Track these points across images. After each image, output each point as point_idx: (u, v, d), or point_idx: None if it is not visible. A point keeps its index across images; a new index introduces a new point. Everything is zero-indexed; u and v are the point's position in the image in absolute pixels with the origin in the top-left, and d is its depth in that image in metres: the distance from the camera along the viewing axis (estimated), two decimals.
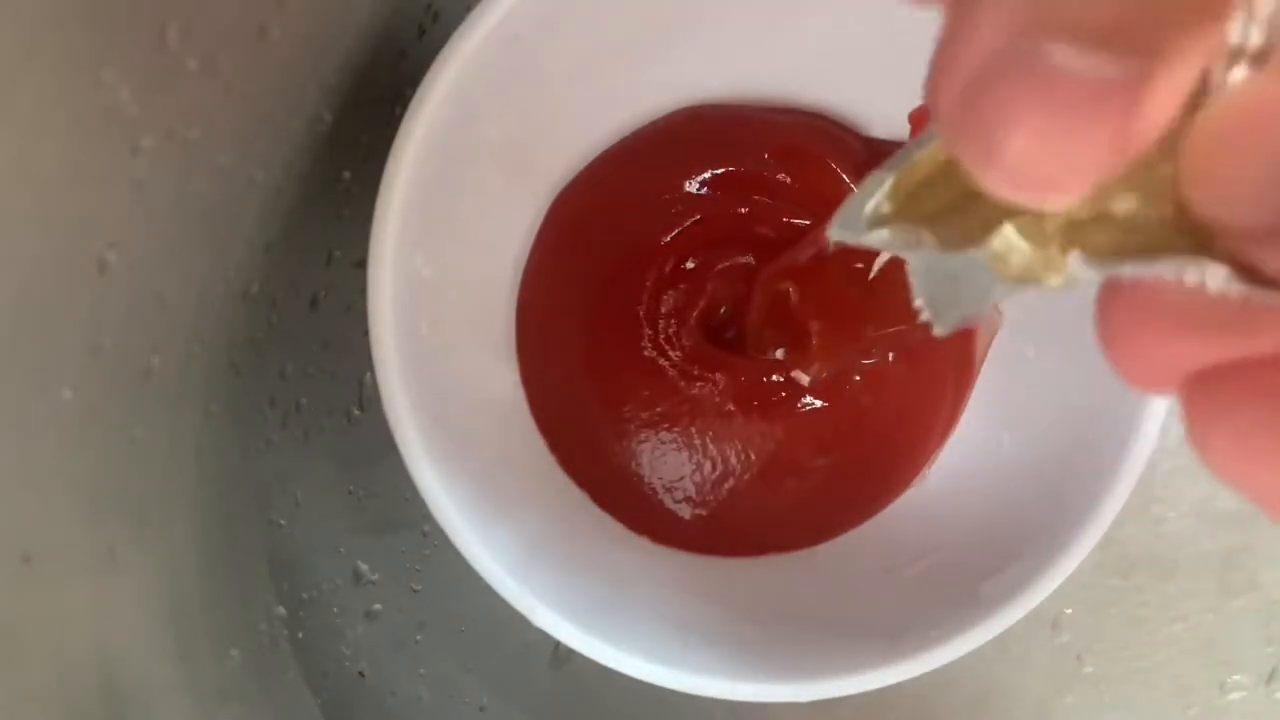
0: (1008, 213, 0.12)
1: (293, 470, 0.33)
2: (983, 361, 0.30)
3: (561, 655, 0.33)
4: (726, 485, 0.31)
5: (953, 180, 0.13)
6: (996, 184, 0.11)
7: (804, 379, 0.30)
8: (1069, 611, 0.34)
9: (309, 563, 0.33)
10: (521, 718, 0.34)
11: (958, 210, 0.13)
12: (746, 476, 0.31)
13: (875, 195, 0.13)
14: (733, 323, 0.31)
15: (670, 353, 0.30)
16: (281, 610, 0.33)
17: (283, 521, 0.33)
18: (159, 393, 0.26)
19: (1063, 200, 0.11)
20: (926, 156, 0.13)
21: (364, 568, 0.34)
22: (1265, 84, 0.10)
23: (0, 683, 0.20)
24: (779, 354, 0.30)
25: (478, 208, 0.29)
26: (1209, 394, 0.12)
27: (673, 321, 0.30)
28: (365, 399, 0.33)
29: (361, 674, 0.34)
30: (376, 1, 0.30)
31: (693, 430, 0.31)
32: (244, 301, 0.29)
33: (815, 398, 0.30)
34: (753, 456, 0.31)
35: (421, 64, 0.26)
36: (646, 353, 0.30)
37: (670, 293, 0.30)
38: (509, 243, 0.30)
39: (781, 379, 0.30)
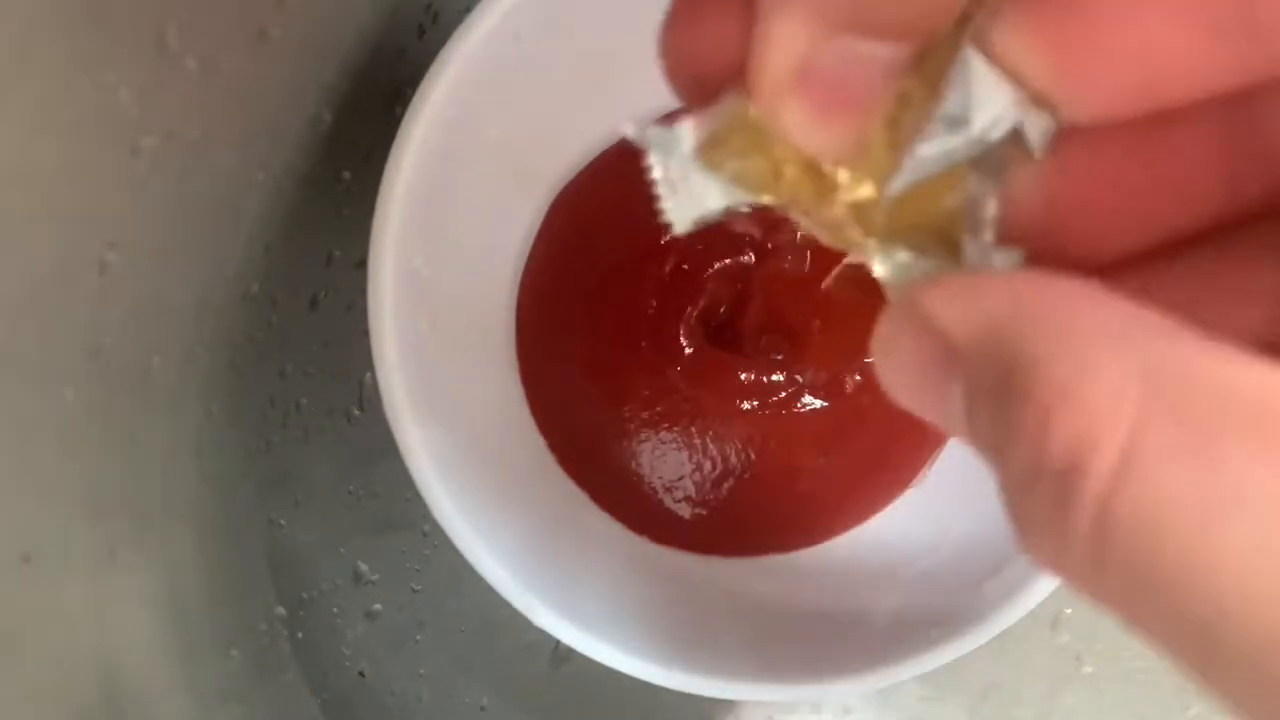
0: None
1: (293, 470, 0.33)
2: None
3: (561, 655, 0.33)
4: (726, 485, 0.31)
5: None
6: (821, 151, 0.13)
7: (803, 378, 0.30)
8: (1069, 611, 0.34)
9: (309, 563, 0.33)
10: (521, 717, 0.34)
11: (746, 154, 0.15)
12: (746, 476, 0.31)
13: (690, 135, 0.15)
14: (732, 322, 0.31)
15: (670, 352, 0.30)
16: (281, 610, 0.33)
17: (283, 521, 0.33)
18: (159, 393, 0.26)
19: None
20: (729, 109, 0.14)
21: (364, 568, 0.34)
22: None
23: (0, 683, 0.20)
24: (778, 355, 0.30)
25: (478, 208, 0.29)
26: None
27: (673, 321, 0.30)
28: (365, 399, 0.33)
29: (361, 674, 0.34)
30: (376, 2, 0.30)
31: (693, 430, 0.31)
32: (244, 301, 0.29)
33: (815, 398, 0.30)
34: (753, 456, 0.31)
35: (421, 64, 0.26)
36: (647, 352, 0.30)
37: (671, 292, 0.30)
38: (509, 243, 0.30)
39: (781, 379, 0.30)
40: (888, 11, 0.12)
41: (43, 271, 0.20)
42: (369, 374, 0.32)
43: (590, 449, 0.31)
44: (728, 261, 0.30)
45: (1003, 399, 0.11)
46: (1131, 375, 0.10)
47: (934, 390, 0.12)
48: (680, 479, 0.31)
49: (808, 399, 0.30)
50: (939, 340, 0.12)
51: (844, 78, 0.12)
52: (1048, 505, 0.11)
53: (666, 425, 0.31)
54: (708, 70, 0.14)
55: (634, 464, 0.31)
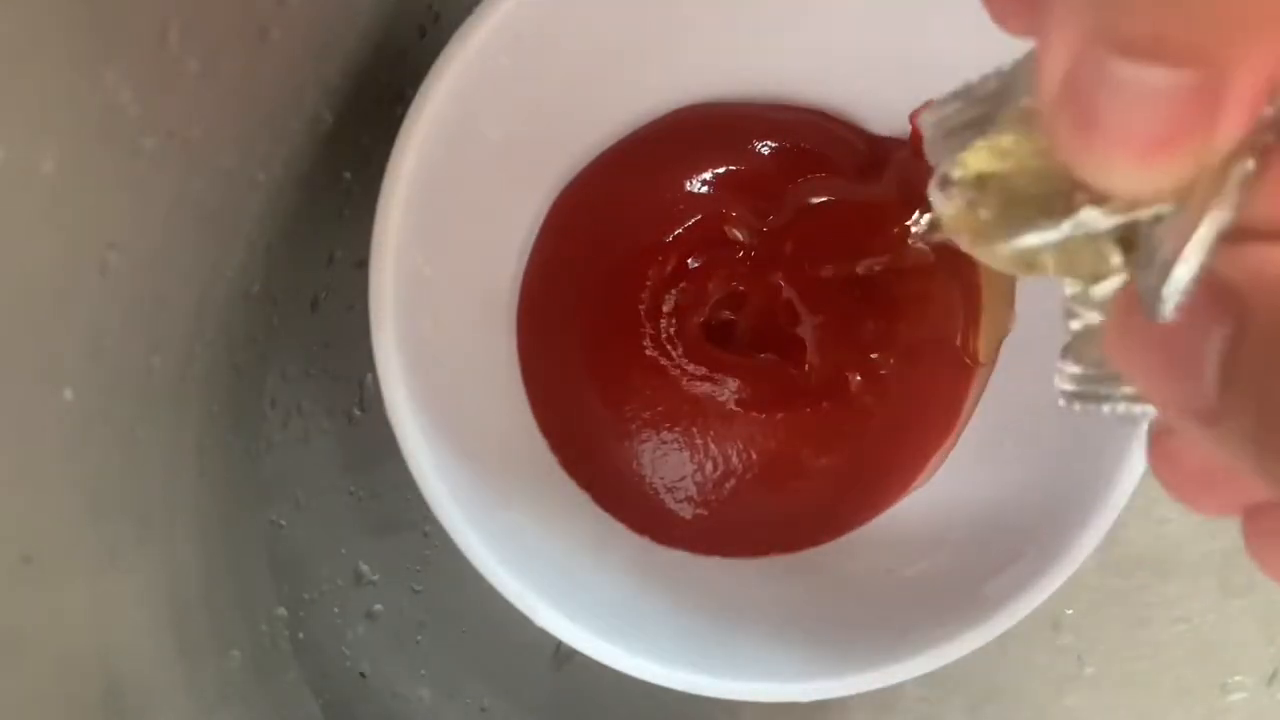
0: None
1: (293, 471, 0.33)
2: (995, 361, 0.30)
3: (562, 655, 0.33)
4: (728, 485, 0.31)
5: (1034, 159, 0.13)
6: (1090, 178, 0.12)
7: (804, 378, 0.30)
8: (1070, 612, 0.34)
9: (310, 563, 0.33)
10: (522, 717, 0.34)
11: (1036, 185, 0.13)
12: (748, 477, 0.31)
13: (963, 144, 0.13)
14: (733, 322, 0.31)
15: (672, 352, 0.30)
16: (282, 611, 0.33)
17: (283, 522, 0.33)
18: (159, 393, 0.26)
19: (1149, 190, 0.12)
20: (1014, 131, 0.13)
21: (365, 568, 0.34)
22: None
23: (0, 683, 0.20)
24: (779, 355, 0.30)
25: (479, 208, 0.29)
26: (1262, 524, 0.13)
27: (674, 321, 0.30)
28: (366, 399, 0.33)
29: (362, 674, 0.34)
30: (378, 2, 0.30)
31: (694, 430, 0.31)
32: (245, 302, 0.29)
33: (816, 398, 0.30)
34: (754, 456, 0.31)
35: (422, 64, 0.26)
36: (648, 352, 0.30)
37: (671, 292, 0.30)
38: (510, 243, 0.30)
39: (782, 379, 0.30)
40: (1190, 32, 0.10)
41: (43, 271, 0.20)
42: (370, 374, 0.32)
43: (591, 449, 0.31)
44: (729, 261, 0.30)
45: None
46: None
47: (1183, 348, 0.12)
48: (681, 479, 0.31)
49: (809, 400, 0.30)
50: (1208, 293, 0.11)
51: (1125, 106, 0.11)
52: (1186, 324, 0.10)
53: (667, 425, 0.31)
54: None
55: (635, 464, 0.31)
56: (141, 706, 0.24)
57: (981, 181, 0.13)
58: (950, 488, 0.30)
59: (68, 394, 0.21)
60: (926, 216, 0.14)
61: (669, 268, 0.30)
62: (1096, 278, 0.13)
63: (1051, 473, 0.28)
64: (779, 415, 0.30)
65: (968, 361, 0.30)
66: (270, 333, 0.32)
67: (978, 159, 0.13)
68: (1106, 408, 0.14)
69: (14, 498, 0.20)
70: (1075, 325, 0.14)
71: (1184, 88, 0.10)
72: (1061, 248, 0.13)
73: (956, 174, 0.13)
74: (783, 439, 0.31)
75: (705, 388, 0.30)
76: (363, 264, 0.27)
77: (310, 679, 0.34)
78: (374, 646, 0.34)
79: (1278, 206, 0.12)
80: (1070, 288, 0.14)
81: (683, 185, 0.30)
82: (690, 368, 0.30)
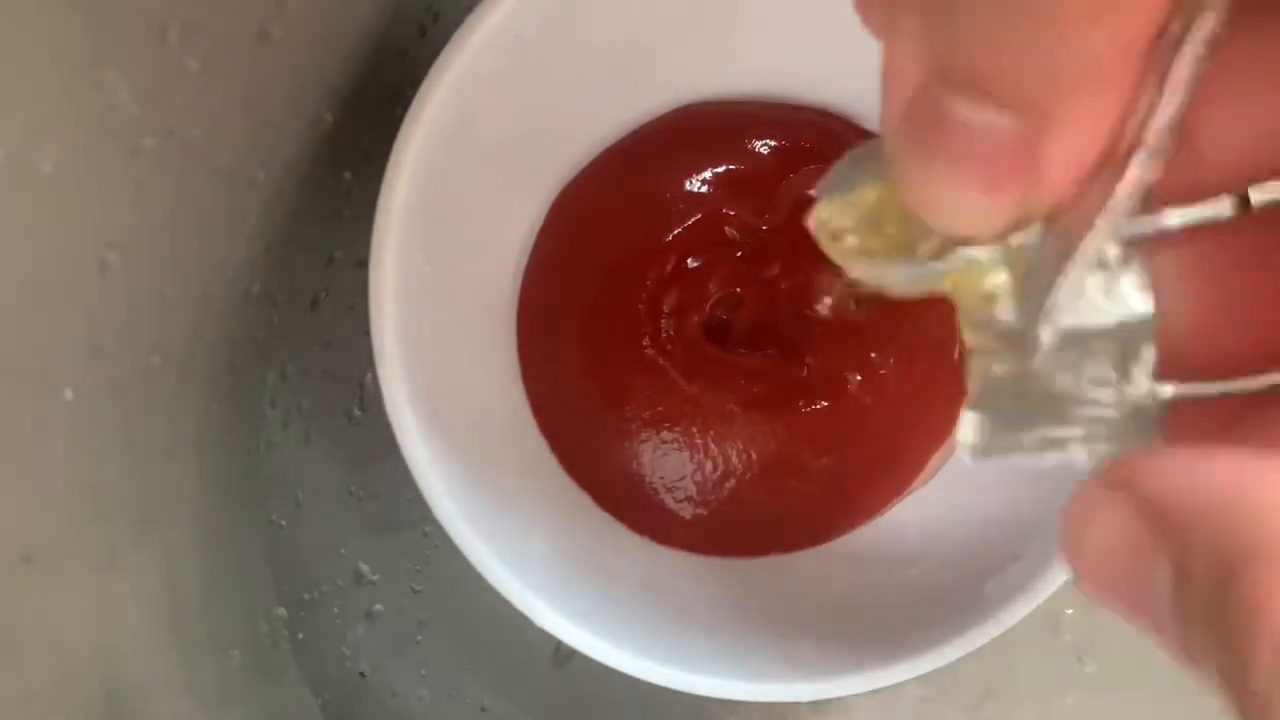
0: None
1: (293, 471, 0.33)
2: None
3: (562, 655, 0.33)
4: (728, 485, 0.31)
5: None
6: (919, 212, 0.12)
7: (804, 378, 0.30)
8: (1070, 612, 0.34)
9: (309, 563, 0.33)
10: (522, 718, 0.34)
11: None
12: (748, 476, 0.31)
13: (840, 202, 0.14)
14: (733, 322, 0.31)
15: (672, 352, 0.30)
16: (282, 611, 0.33)
17: (283, 522, 0.33)
18: (159, 393, 0.26)
19: (979, 233, 0.12)
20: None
21: (365, 568, 0.34)
22: None
23: (0, 683, 0.20)
24: (779, 355, 0.30)
25: (479, 207, 0.29)
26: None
27: (674, 320, 0.30)
28: (366, 399, 0.33)
29: (362, 674, 0.34)
30: (377, 2, 0.30)
31: (694, 430, 0.31)
32: (245, 301, 0.29)
33: (815, 398, 0.30)
34: (754, 456, 0.31)
35: (422, 64, 0.26)
36: (648, 352, 0.30)
37: (672, 292, 0.30)
38: (510, 242, 0.30)
39: (782, 379, 0.30)
40: (1017, 74, 0.10)
41: (43, 271, 0.20)
42: (370, 374, 0.32)
43: (591, 449, 0.31)
44: (729, 261, 0.30)
45: (1226, 588, 0.10)
46: None
47: (1133, 574, 0.11)
48: (681, 479, 0.31)
49: (808, 400, 0.30)
50: (1147, 517, 0.11)
51: (972, 141, 0.11)
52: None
53: (667, 425, 0.31)
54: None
55: (635, 464, 0.31)
56: (141, 706, 0.24)
57: (836, 232, 0.14)
58: (950, 487, 0.30)
59: (68, 394, 0.21)
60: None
61: (669, 267, 0.30)
62: (988, 301, 0.13)
63: (1051, 472, 0.28)
64: (779, 415, 0.30)
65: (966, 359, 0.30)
66: (270, 333, 0.32)
67: (829, 211, 0.14)
68: (1018, 456, 0.14)
69: (14, 498, 0.20)
70: (977, 365, 0.14)
71: (1009, 132, 0.10)
72: (947, 276, 0.13)
73: (812, 224, 0.14)
74: (782, 439, 0.31)
75: (705, 387, 0.30)
76: (363, 264, 0.27)
77: (310, 679, 0.34)
78: (374, 646, 0.34)
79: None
80: (966, 319, 0.13)
81: (682, 185, 0.30)
82: (690, 367, 0.30)
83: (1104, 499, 0.12)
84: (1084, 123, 0.11)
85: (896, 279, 0.14)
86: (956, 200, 0.11)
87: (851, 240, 0.14)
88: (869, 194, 0.13)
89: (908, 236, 0.13)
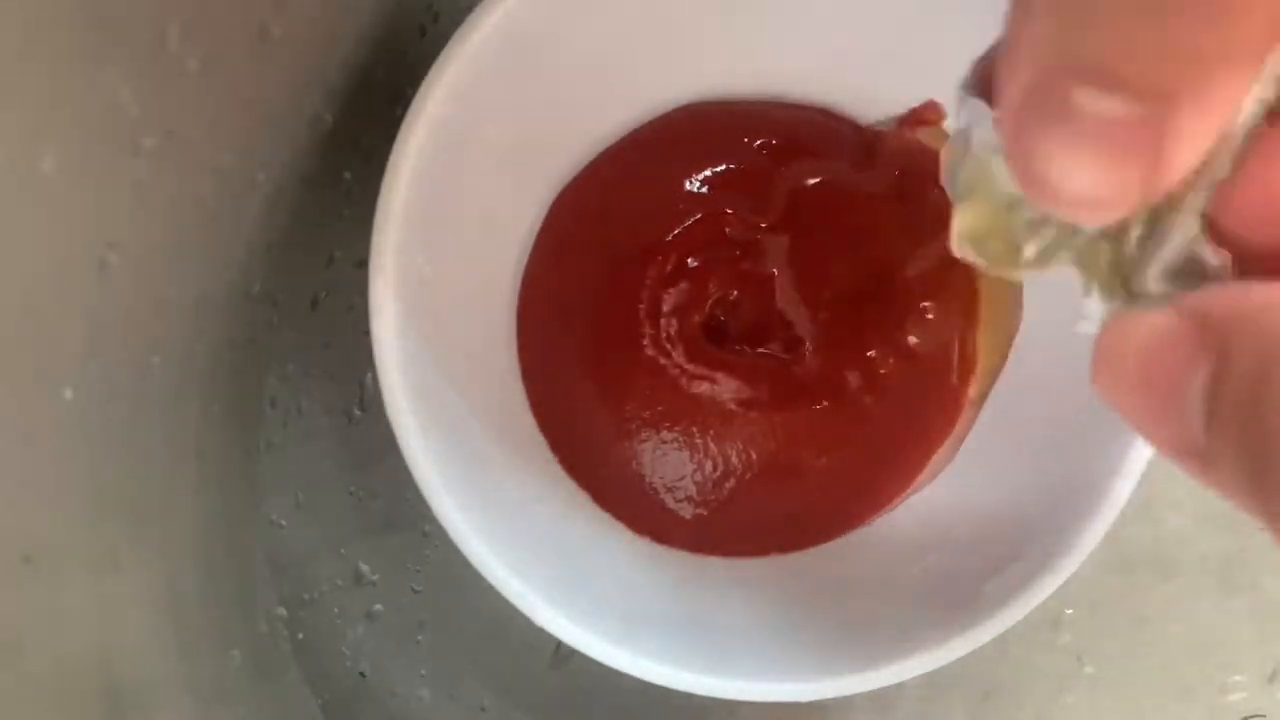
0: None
1: (293, 470, 0.33)
2: (1004, 362, 0.30)
3: (562, 655, 0.33)
4: (728, 485, 0.31)
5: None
6: (1039, 202, 0.12)
7: (803, 378, 0.30)
8: (1070, 612, 0.34)
9: (309, 563, 0.33)
10: (522, 717, 0.34)
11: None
12: (748, 476, 0.31)
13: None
14: (733, 322, 0.31)
15: (672, 352, 0.30)
16: (282, 610, 0.33)
17: (283, 521, 0.33)
18: (159, 393, 0.26)
19: (1097, 220, 0.12)
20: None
21: (364, 568, 0.34)
22: None
23: (0, 682, 0.20)
24: (778, 355, 0.30)
25: (479, 207, 0.29)
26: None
27: (674, 320, 0.30)
28: (366, 399, 0.33)
29: (362, 674, 0.34)
30: (378, 2, 0.30)
31: (694, 430, 0.31)
32: (245, 302, 0.29)
33: (815, 398, 0.30)
34: (754, 456, 0.31)
35: (422, 64, 0.26)
36: (648, 351, 0.30)
37: (671, 291, 0.30)
38: (510, 242, 0.30)
39: (782, 378, 0.30)
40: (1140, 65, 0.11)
41: (43, 271, 0.20)
42: (369, 374, 0.32)
43: (591, 449, 0.31)
44: (729, 261, 0.30)
45: (1260, 386, 0.10)
46: None
47: (1167, 375, 0.12)
48: (681, 479, 0.31)
49: (809, 400, 0.30)
50: (1193, 321, 0.12)
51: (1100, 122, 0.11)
52: None
53: (667, 425, 0.31)
54: None
55: (635, 464, 0.31)
56: (141, 706, 0.24)
57: (977, 236, 0.14)
58: (950, 488, 0.30)
59: (68, 394, 0.21)
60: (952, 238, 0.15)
61: (668, 267, 0.30)
62: (1112, 269, 0.13)
63: (1051, 472, 0.28)
64: (779, 415, 0.30)
65: (966, 360, 0.30)
66: (270, 333, 0.32)
67: (964, 220, 0.14)
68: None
69: (14, 498, 0.20)
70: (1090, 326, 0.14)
71: (1132, 120, 0.11)
72: (1072, 247, 0.13)
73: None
74: (782, 439, 0.31)
75: (705, 387, 0.30)
76: (363, 264, 0.27)
77: (310, 679, 0.34)
78: (374, 646, 0.34)
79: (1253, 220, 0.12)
80: (1087, 285, 0.14)
81: (682, 184, 0.30)
82: (690, 367, 0.30)
83: (1150, 315, 0.12)
84: (1211, 111, 0.11)
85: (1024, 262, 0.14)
86: (1080, 183, 0.11)
87: (995, 245, 0.14)
88: (1002, 188, 0.13)
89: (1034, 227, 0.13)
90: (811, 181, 0.30)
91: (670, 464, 0.31)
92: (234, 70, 0.24)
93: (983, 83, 0.14)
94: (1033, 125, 0.11)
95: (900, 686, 0.27)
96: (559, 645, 0.27)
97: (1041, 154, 0.11)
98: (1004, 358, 0.30)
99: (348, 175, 0.32)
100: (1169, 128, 0.11)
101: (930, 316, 0.29)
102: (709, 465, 0.31)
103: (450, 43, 0.26)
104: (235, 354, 0.30)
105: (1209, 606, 0.34)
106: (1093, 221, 0.13)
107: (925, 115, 0.29)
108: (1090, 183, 0.11)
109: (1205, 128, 0.11)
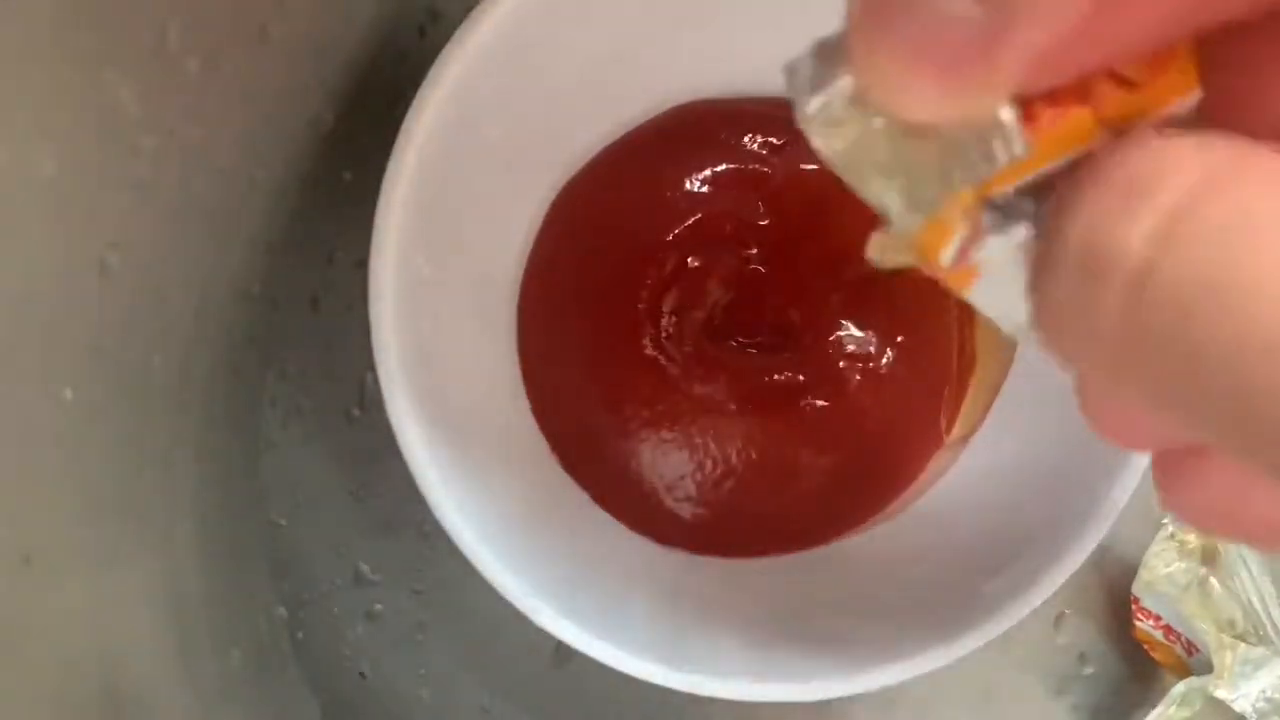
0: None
1: (293, 470, 0.33)
2: (1009, 362, 0.30)
3: (562, 655, 0.33)
4: (728, 485, 0.31)
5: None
6: (876, 96, 0.12)
7: (803, 378, 0.30)
8: (1070, 612, 0.34)
9: (309, 563, 0.33)
10: (522, 717, 0.34)
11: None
12: (748, 476, 0.31)
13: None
14: (733, 322, 0.31)
15: (671, 351, 0.30)
16: (282, 610, 0.33)
17: (283, 521, 0.33)
18: (159, 393, 0.26)
19: (933, 114, 0.12)
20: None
21: (364, 568, 0.34)
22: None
23: (0, 683, 0.20)
24: (778, 354, 0.30)
25: (479, 207, 0.29)
26: (1174, 472, 0.14)
27: (674, 320, 0.30)
28: (366, 399, 0.33)
29: (362, 674, 0.34)
30: (377, 2, 0.30)
31: (694, 429, 0.31)
32: (245, 301, 0.29)
33: (815, 398, 0.30)
34: (754, 456, 0.31)
35: (422, 64, 0.26)
36: (648, 351, 0.30)
37: (671, 291, 0.30)
38: (510, 242, 0.30)
39: (782, 378, 0.30)
40: None
41: (43, 271, 0.20)
42: (369, 374, 0.32)
43: (591, 448, 0.31)
44: (728, 260, 0.30)
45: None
46: (1190, 158, 0.11)
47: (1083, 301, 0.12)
48: (681, 479, 0.31)
49: (808, 400, 0.30)
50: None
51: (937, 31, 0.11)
52: (1080, 281, 0.11)
53: (667, 425, 0.31)
54: None
55: (634, 463, 0.31)
56: (141, 706, 0.24)
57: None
58: (950, 488, 0.30)
59: (68, 394, 0.21)
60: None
61: (668, 267, 0.30)
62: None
63: (1051, 472, 0.28)
64: (778, 415, 0.30)
65: (965, 360, 0.30)
66: (270, 333, 0.32)
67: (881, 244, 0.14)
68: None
69: (14, 498, 0.20)
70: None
71: (971, 20, 0.11)
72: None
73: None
74: (782, 438, 0.31)
75: (705, 387, 0.30)
76: (363, 264, 0.27)
77: (310, 679, 0.34)
78: (374, 646, 0.34)
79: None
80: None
81: (682, 183, 0.30)
82: (690, 367, 0.30)
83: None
84: (1040, 25, 0.11)
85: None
86: (915, 83, 0.12)
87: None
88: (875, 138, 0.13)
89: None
90: (807, 167, 0.30)
91: (670, 464, 0.31)
92: (234, 70, 0.24)
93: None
94: (874, 24, 0.12)
95: (901, 687, 0.27)
96: (559, 645, 0.27)
97: (881, 53, 0.12)
98: (1008, 361, 0.30)
99: (348, 175, 0.32)
100: (1004, 36, 0.11)
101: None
102: (709, 465, 0.31)
103: (450, 43, 0.26)
104: (235, 354, 0.30)
105: None
106: (923, 123, 0.13)
107: None
108: (923, 81, 0.12)
109: (1039, 41, 0.11)
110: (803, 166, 0.30)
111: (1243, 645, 0.30)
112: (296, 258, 0.32)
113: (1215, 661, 0.30)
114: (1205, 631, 0.30)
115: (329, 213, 0.32)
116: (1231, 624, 0.31)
